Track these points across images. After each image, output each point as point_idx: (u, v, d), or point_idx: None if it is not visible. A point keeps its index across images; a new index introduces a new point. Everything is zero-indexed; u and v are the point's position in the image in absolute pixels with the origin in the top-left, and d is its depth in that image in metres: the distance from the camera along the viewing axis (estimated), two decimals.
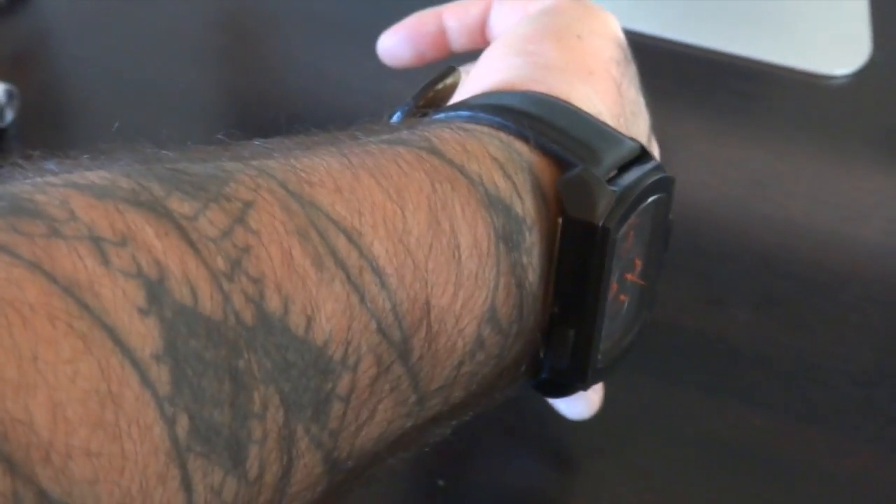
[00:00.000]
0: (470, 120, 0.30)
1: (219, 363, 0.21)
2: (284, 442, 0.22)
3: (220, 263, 0.22)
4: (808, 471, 0.41)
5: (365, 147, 0.27)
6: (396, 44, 0.44)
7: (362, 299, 0.24)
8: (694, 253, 0.51)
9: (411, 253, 0.25)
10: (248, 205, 0.23)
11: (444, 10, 0.43)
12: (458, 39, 0.42)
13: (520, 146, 0.30)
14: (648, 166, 0.31)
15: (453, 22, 0.42)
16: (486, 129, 0.30)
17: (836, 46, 0.66)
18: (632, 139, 0.32)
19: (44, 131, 0.58)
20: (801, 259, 0.52)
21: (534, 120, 0.30)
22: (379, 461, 0.27)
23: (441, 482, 0.39)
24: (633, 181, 0.30)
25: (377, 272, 0.25)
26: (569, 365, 0.29)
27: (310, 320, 0.23)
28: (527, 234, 0.28)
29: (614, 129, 0.32)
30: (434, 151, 0.28)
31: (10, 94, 0.57)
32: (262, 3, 0.70)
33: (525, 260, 0.28)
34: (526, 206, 0.28)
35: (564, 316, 0.29)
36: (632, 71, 0.37)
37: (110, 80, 0.62)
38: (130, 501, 0.19)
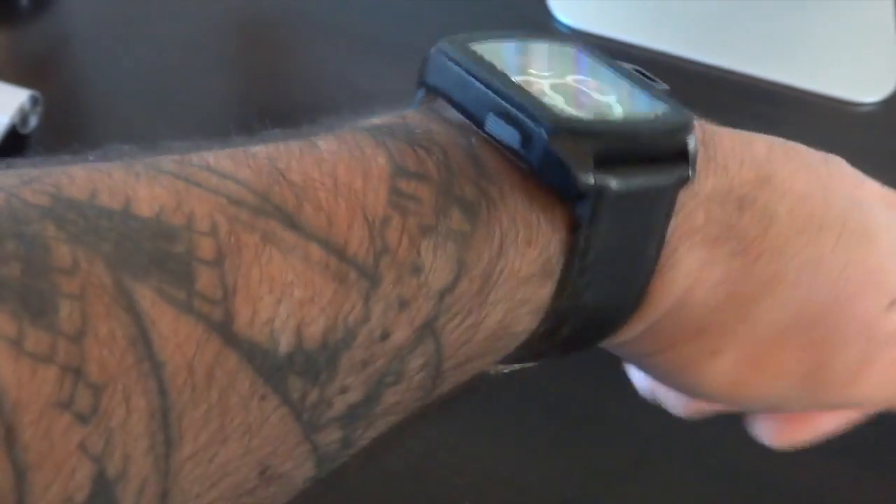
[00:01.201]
0: None
1: None
2: (120, 298, 0.21)
3: (3, 182, 0.22)
4: (831, 502, 0.41)
5: None
6: None
7: (190, 182, 0.23)
8: None
9: (251, 155, 0.25)
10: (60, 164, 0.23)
11: None
12: None
13: None
14: None
15: None
16: None
17: (863, 74, 0.66)
18: None
19: (67, 137, 0.58)
20: None
21: None
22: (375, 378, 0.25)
23: (467, 503, 0.39)
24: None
25: (205, 167, 0.24)
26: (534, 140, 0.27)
27: (128, 201, 0.23)
28: (412, 124, 0.27)
29: None
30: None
31: (33, 100, 0.57)
32: (288, 12, 0.70)
33: (420, 132, 0.27)
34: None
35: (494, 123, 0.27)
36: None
37: (134, 87, 0.62)
38: None
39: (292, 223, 0.24)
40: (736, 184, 0.31)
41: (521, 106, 0.27)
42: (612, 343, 0.31)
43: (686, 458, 0.42)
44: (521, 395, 0.43)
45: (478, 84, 0.28)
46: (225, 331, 0.22)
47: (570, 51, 0.31)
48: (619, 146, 0.28)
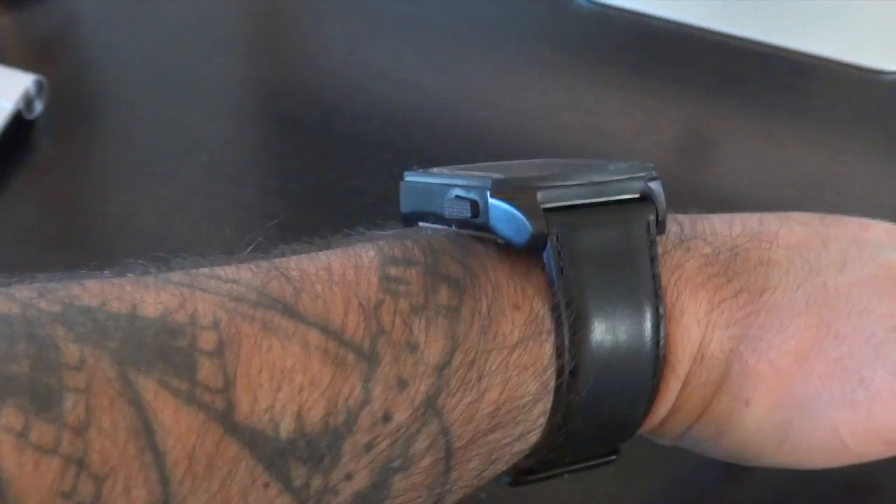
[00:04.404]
0: None
1: (11, 333, 0.22)
2: (125, 391, 0.22)
3: (21, 295, 0.23)
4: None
5: None
6: None
7: (195, 287, 0.25)
8: None
9: (254, 262, 0.27)
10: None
11: None
12: None
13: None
14: None
15: None
16: None
17: (888, 42, 0.64)
18: None
19: (73, 123, 0.57)
20: None
21: None
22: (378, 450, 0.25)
23: (483, 494, 0.37)
24: None
25: (209, 275, 0.25)
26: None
27: (134, 305, 0.24)
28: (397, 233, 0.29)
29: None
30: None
31: (39, 85, 0.56)
32: None
33: (405, 233, 0.29)
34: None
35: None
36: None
37: (141, 70, 0.61)
38: None
39: (291, 312, 0.25)
40: (727, 238, 0.31)
41: (467, 183, 0.29)
42: (655, 419, 0.31)
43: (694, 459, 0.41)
44: None
45: (433, 182, 0.30)
46: (226, 420, 0.23)
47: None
48: (565, 190, 0.28)
